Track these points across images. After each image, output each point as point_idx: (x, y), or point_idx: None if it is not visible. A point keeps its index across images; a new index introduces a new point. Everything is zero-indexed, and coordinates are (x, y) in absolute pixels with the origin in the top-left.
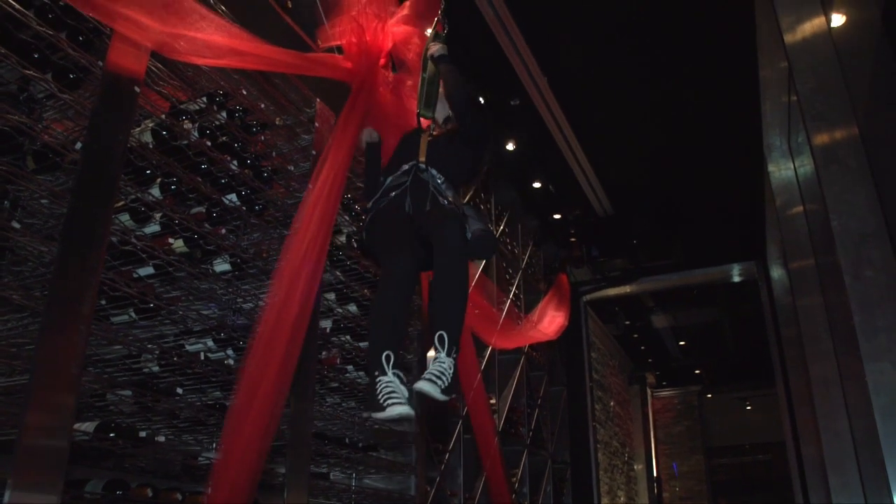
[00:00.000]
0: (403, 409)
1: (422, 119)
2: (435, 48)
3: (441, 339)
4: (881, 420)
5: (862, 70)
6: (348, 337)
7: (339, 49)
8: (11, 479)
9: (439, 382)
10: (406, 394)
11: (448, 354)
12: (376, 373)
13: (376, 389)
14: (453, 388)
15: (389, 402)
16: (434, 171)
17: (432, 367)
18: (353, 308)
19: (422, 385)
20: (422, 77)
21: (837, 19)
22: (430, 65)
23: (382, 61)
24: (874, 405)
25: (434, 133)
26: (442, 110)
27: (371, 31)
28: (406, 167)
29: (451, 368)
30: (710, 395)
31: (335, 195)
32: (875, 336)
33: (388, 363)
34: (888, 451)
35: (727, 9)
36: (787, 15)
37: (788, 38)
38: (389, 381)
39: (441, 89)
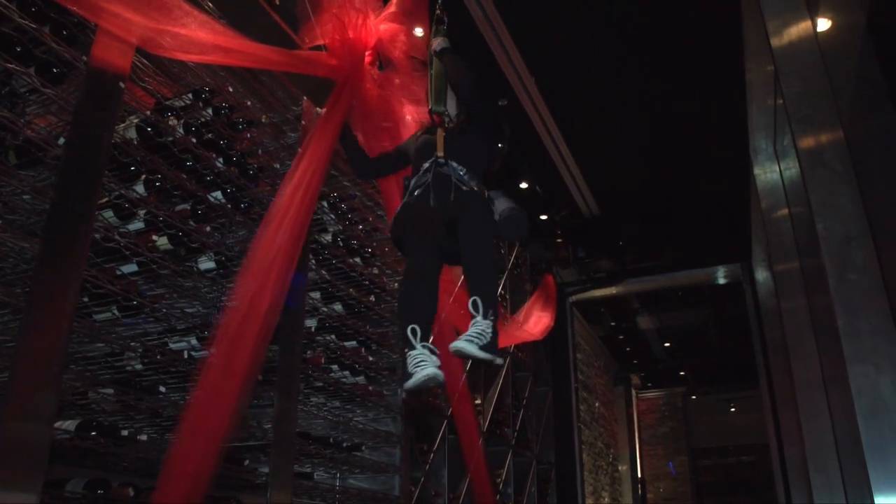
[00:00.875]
0: (430, 370)
1: (435, 116)
2: (436, 43)
3: (475, 304)
4: (863, 422)
5: (847, 74)
6: (333, 336)
7: (325, 48)
8: None
9: (477, 340)
10: (437, 361)
11: (484, 317)
12: (406, 349)
13: (407, 364)
14: (496, 348)
15: (417, 367)
16: (454, 164)
17: (469, 331)
18: (338, 307)
19: (457, 344)
20: (430, 74)
21: (823, 24)
22: (434, 60)
23: (368, 59)
24: (857, 407)
25: (448, 126)
26: (452, 104)
27: (353, 27)
28: (426, 165)
29: (489, 329)
30: (694, 397)
31: (314, 188)
32: (858, 338)
33: (414, 336)
34: (870, 453)
35: (714, 12)
36: (774, 19)
37: (775, 41)
38: (418, 353)
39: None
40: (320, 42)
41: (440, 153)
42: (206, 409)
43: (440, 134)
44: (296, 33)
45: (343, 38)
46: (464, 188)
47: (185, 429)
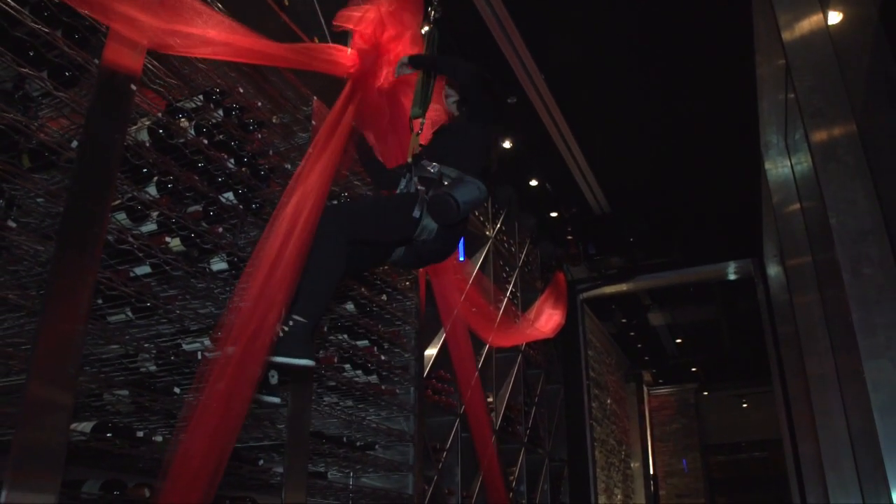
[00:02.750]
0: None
1: (414, 121)
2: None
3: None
4: (880, 417)
5: (860, 67)
6: (345, 336)
7: (348, 35)
8: (8, 479)
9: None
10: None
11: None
12: None
13: None
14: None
15: None
16: (424, 162)
17: None
18: (349, 307)
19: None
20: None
21: (835, 17)
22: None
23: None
24: (873, 402)
25: (421, 130)
26: (453, 101)
27: (389, 36)
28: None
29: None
30: (706, 393)
31: (326, 188)
32: (874, 333)
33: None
34: (887, 449)
35: (725, 6)
36: (785, 12)
37: (786, 35)
38: None
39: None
40: (352, 26)
41: (409, 158)
42: (224, 407)
43: (413, 139)
44: (307, 34)
45: (377, 36)
46: (420, 188)
47: (202, 427)
